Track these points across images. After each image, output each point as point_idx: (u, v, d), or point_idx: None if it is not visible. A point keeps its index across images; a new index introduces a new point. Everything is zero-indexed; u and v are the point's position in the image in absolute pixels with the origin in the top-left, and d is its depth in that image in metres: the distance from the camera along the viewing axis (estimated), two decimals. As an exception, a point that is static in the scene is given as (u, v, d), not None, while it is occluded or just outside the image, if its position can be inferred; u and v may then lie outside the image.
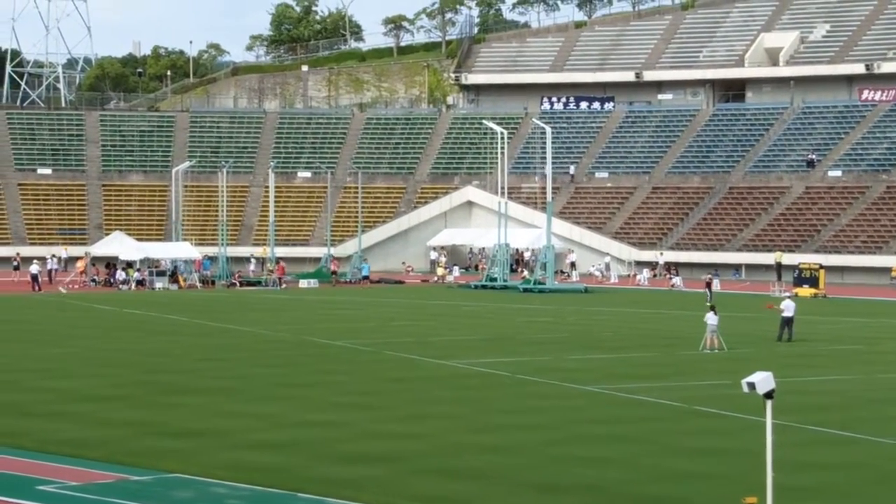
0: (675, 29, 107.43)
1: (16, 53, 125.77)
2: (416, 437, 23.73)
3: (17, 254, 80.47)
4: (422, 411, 26.80)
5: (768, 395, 15.77)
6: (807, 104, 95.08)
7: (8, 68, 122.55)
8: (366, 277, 77.26)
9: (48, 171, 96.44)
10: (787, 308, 41.47)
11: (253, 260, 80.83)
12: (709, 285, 62.77)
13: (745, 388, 15.81)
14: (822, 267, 69.21)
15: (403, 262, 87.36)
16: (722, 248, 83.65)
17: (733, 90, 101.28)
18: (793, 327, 41.25)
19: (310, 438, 23.46)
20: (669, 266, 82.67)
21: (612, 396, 29.19)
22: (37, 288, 67.93)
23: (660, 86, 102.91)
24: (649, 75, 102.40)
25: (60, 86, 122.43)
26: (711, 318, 38.83)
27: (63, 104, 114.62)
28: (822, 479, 20.47)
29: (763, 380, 15.72)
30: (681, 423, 25.67)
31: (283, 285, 73.90)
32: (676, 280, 74.11)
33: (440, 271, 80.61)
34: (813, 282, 67.33)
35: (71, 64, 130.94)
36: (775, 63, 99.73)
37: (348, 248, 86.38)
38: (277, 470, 20.62)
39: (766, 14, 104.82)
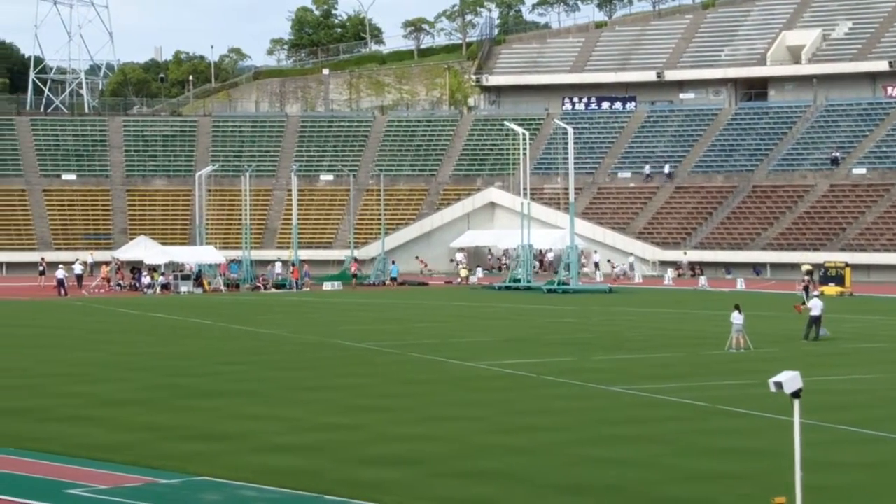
0: (697, 28, 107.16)
1: (39, 60, 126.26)
2: (439, 439, 23.71)
3: (43, 259, 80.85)
4: (445, 413, 26.77)
5: (795, 395, 15.69)
6: (830, 102, 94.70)
7: (31, 75, 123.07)
8: (394, 279, 77.30)
9: (73, 176, 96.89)
10: (815, 307, 41.32)
11: (279, 263, 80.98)
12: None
13: (772, 388, 15.74)
14: (847, 265, 68.97)
15: (417, 257, 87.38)
16: (746, 247, 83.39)
17: (755, 89, 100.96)
18: (820, 326, 41.08)
19: (335, 441, 23.47)
20: (694, 265, 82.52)
21: (637, 397, 29.10)
22: (63, 292, 68.21)
23: (681, 85, 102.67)
24: (671, 75, 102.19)
25: (83, 92, 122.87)
26: (737, 318, 38.66)
27: (86, 110, 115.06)
28: (850, 479, 20.35)
29: (790, 379, 15.65)
30: (707, 423, 25.56)
31: (307, 288, 74.02)
32: (702, 280, 73.94)
33: (463, 272, 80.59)
34: (839, 280, 67.14)
35: (93, 70, 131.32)
36: (797, 61, 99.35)
37: (371, 250, 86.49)
38: (303, 472, 20.64)
39: (788, 12, 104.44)
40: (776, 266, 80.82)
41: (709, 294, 67.67)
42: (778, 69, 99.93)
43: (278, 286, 74.81)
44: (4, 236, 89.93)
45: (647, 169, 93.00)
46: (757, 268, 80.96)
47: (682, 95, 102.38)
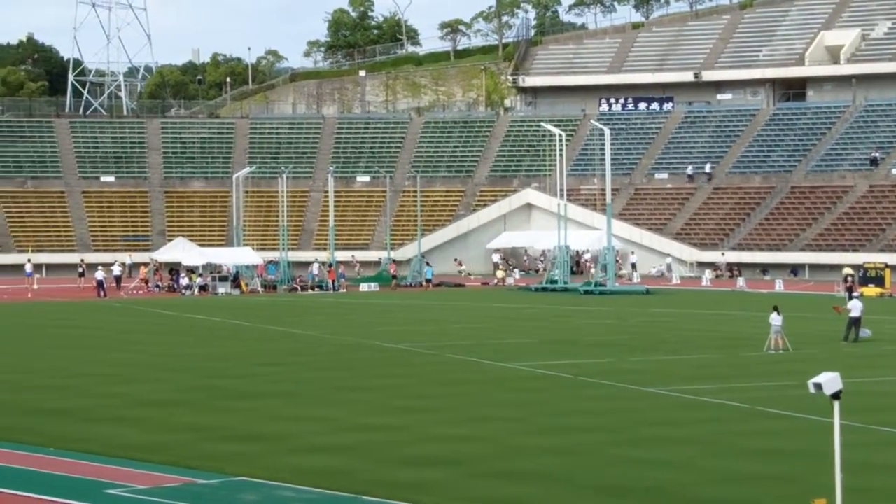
0: (734, 28, 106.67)
1: (78, 63, 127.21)
2: (477, 439, 23.70)
3: (82, 260, 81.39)
4: (483, 414, 26.77)
5: (835, 396, 15.60)
6: (869, 102, 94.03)
7: (70, 78, 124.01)
8: (428, 280, 77.39)
9: (111, 178, 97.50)
10: (854, 308, 41.04)
11: (316, 264, 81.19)
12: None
13: (812, 389, 15.65)
14: (887, 266, 68.49)
15: (455, 259, 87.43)
16: (784, 248, 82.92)
17: (794, 89, 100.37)
18: (860, 328, 40.80)
19: (372, 441, 23.51)
20: (732, 267, 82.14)
21: (675, 398, 28.99)
22: (102, 294, 68.64)
23: (719, 86, 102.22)
24: (708, 75, 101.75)
25: (122, 94, 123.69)
26: (775, 319, 38.45)
27: (125, 112, 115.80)
28: (891, 481, 20.18)
29: (830, 380, 15.55)
30: (745, 425, 25.44)
31: (343, 289, 74.17)
32: (740, 281, 73.62)
33: (500, 274, 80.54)
34: (878, 281, 66.69)
35: (132, 72, 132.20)
36: (836, 61, 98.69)
37: (408, 251, 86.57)
38: (341, 473, 20.68)
39: (827, 12, 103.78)
40: (815, 267, 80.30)
41: (747, 295, 67.33)
42: (816, 69, 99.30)
43: (315, 287, 74.96)
44: (44, 238, 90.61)
45: (689, 169, 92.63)
46: (794, 268, 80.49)
47: (719, 96, 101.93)
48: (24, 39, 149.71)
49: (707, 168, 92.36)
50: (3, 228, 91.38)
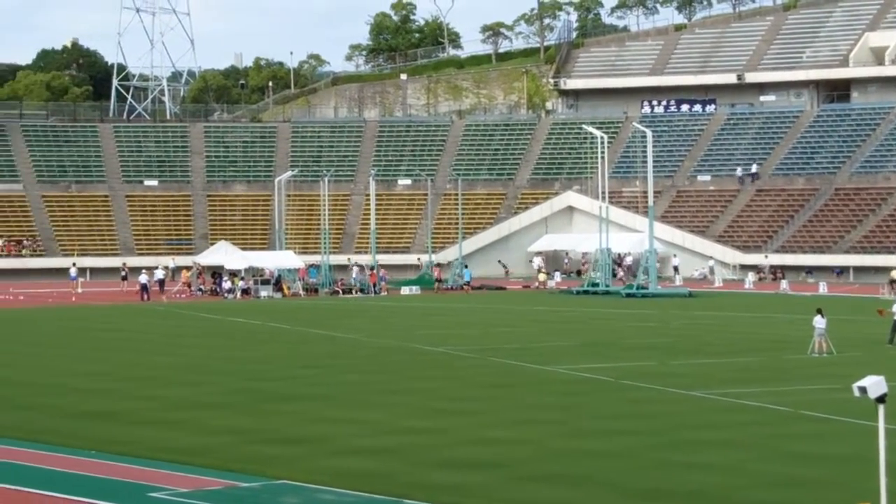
0: (777, 30, 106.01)
1: (122, 68, 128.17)
2: (519, 442, 23.65)
3: (124, 264, 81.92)
4: (524, 417, 26.71)
5: (880, 400, 15.45)
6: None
7: (114, 82, 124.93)
8: (467, 283, 77.33)
9: (154, 182, 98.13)
10: (899, 311, 40.68)
11: (356, 268, 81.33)
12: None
13: (857, 393, 15.51)
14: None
15: (499, 261, 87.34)
16: (829, 251, 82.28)
17: (838, 90, 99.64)
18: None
19: (412, 444, 23.51)
20: (775, 269, 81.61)
21: (718, 401, 28.82)
22: (145, 297, 69.02)
23: (762, 87, 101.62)
24: (751, 77, 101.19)
25: (165, 98, 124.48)
26: (819, 322, 38.15)
27: (168, 116, 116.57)
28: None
29: (875, 384, 15.41)
30: (789, 428, 25.25)
31: (384, 292, 74.25)
32: (783, 283, 73.15)
33: (541, 277, 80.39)
34: (923, 284, 66.01)
35: (175, 77, 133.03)
36: (881, 62, 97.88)
37: (449, 254, 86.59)
38: (381, 476, 20.69)
39: (871, 13, 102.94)
40: (859, 269, 79.66)
41: (790, 298, 66.87)
42: (861, 70, 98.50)
43: (357, 291, 75.10)
44: (88, 241, 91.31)
45: (739, 171, 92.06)
46: (837, 269, 79.86)
47: (762, 98, 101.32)
48: (69, 45, 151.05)
49: (753, 168, 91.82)
50: (48, 232, 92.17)
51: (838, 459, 21.92)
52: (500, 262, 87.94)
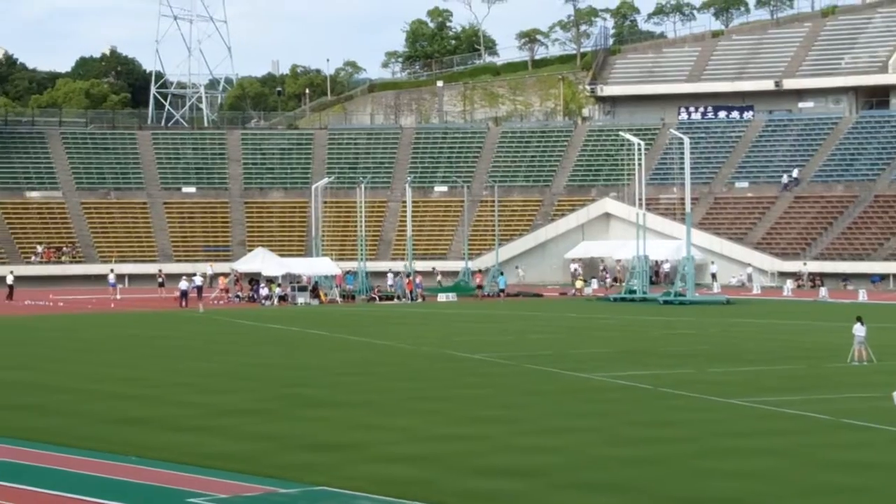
0: (815, 36, 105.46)
1: (160, 75, 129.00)
2: (556, 450, 23.59)
3: (160, 270, 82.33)
4: (561, 424, 26.65)
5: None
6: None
7: (152, 90, 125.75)
8: (502, 290, 77.28)
9: (192, 189, 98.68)
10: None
11: (390, 274, 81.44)
12: None
13: (897, 401, 15.40)
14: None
15: (517, 267, 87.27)
16: (868, 258, 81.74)
17: (877, 97, 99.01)
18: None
19: (450, 451, 23.49)
20: (814, 276, 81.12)
21: (757, 409, 28.66)
22: (184, 304, 69.35)
23: (800, 94, 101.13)
24: (789, 83, 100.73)
25: (203, 106, 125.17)
26: (859, 329, 37.87)
27: (206, 124, 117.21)
28: (979, 495, 19.80)
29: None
30: (828, 437, 25.08)
31: (420, 299, 74.30)
32: (822, 291, 72.69)
33: (578, 284, 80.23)
34: (964, 291, 65.50)
35: (212, 84, 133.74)
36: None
37: (485, 261, 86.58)
38: (418, 483, 20.68)
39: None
40: (899, 277, 79.11)
41: (829, 305, 66.44)
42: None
43: (390, 297, 75.20)
44: (127, 248, 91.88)
45: (784, 178, 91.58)
46: (875, 276, 79.26)
47: (800, 104, 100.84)
48: (108, 52, 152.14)
49: (795, 173, 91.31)
50: (87, 239, 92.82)
51: (879, 468, 21.75)
52: (517, 267, 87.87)
